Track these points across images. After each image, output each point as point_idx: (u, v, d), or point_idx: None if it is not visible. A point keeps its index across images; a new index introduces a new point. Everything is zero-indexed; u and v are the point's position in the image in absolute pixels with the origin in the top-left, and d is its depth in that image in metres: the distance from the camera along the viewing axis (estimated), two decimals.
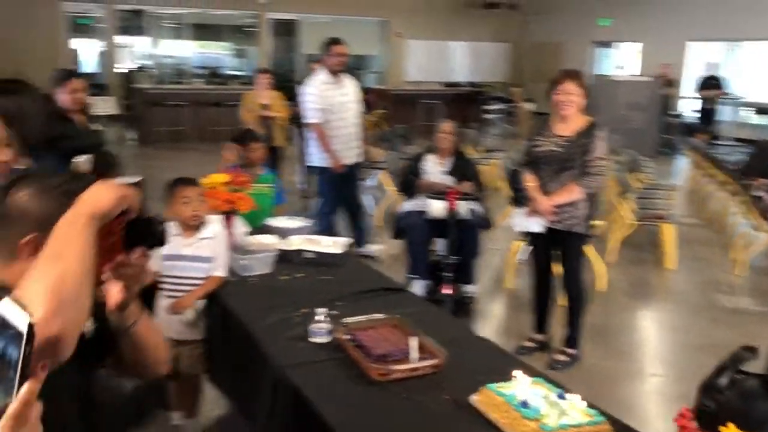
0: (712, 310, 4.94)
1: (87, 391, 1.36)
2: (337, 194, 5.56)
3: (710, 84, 13.22)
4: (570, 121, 3.67)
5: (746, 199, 5.86)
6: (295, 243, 3.32)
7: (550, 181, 3.69)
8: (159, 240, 1.31)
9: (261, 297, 2.76)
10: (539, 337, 4.08)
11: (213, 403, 3.11)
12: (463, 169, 4.73)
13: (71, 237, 1.09)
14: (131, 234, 1.25)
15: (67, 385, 1.27)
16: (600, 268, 5.16)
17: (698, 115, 13.51)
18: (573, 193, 3.62)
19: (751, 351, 1.30)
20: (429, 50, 17.09)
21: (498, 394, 1.88)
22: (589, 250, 5.03)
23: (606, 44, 17.61)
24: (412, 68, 16.49)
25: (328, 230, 5.24)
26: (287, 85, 10.46)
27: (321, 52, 5.41)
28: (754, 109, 14.10)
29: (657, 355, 4.31)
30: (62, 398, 1.26)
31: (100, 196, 1.16)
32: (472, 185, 4.62)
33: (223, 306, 2.73)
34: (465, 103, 14.31)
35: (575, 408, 1.82)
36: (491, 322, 4.70)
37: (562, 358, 3.90)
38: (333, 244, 3.37)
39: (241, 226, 3.35)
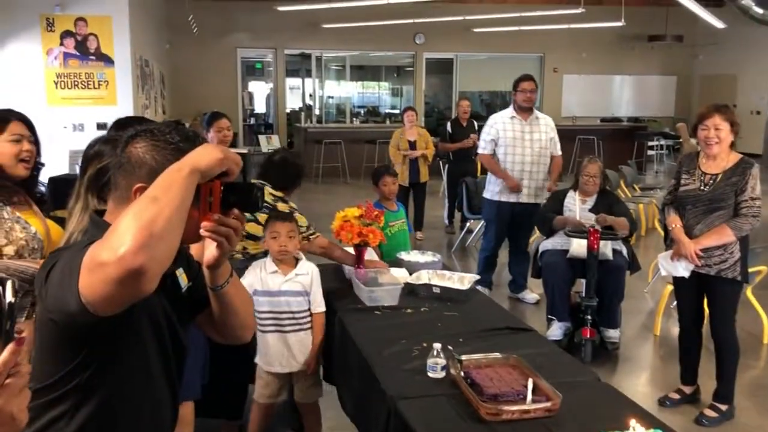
0: None
1: (175, 338, 1.46)
2: (500, 232, 5.46)
3: None
4: (718, 159, 3.43)
5: None
6: (424, 277, 3.36)
7: (696, 222, 3.45)
8: (255, 204, 1.38)
9: (384, 329, 2.82)
10: (687, 388, 3.78)
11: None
12: (609, 206, 4.55)
13: (171, 184, 1.18)
14: (229, 196, 1.33)
15: (155, 326, 1.39)
16: (764, 317, 4.70)
17: None
18: (722, 236, 3.36)
19: None
20: (587, 85, 16.65)
21: None
22: (751, 298, 4.62)
23: None
24: (569, 103, 16.12)
25: (484, 268, 5.24)
26: (442, 122, 10.70)
27: (512, 89, 5.43)
28: None
29: None
30: (147, 335, 1.38)
31: (205, 154, 1.25)
32: (624, 220, 4.42)
33: (347, 334, 2.82)
34: (625, 138, 13.73)
35: None
36: (635, 369, 4.43)
37: (710, 413, 3.58)
38: (460, 280, 3.37)
39: (372, 258, 3.45)
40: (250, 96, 16.98)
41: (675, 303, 5.01)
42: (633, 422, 1.85)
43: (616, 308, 4.44)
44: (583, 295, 4.49)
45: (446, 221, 8.19)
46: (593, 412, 2.10)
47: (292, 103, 16.51)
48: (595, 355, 4.26)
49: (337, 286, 3.39)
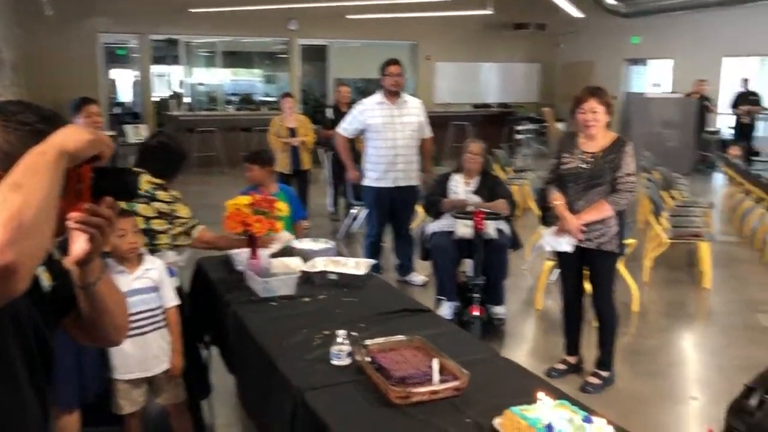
0: (750, 330, 4.77)
1: (42, 342, 1.29)
2: (382, 217, 5.49)
3: (746, 100, 12.96)
4: (596, 138, 3.61)
5: None
6: (319, 265, 3.30)
7: (578, 199, 3.62)
8: (130, 192, 1.25)
9: (282, 319, 2.74)
10: (571, 359, 3.98)
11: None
12: (491, 188, 4.68)
13: (36, 168, 1.04)
14: (101, 182, 1.18)
15: (17, 328, 1.22)
16: (634, 287, 5.03)
17: (735, 131, 13.25)
18: (602, 211, 3.54)
19: None
20: (459, 72, 17.12)
21: (522, 418, 1.82)
22: (623, 270, 4.91)
23: (638, 62, 17.43)
24: (441, 90, 16.51)
25: (370, 254, 5.22)
26: (320, 109, 10.58)
27: (378, 74, 5.40)
28: None
29: (693, 378, 4.17)
30: (9, 338, 1.20)
31: (72, 135, 1.11)
32: (504, 203, 4.56)
33: (244, 327, 2.71)
34: (495, 123, 14.27)
35: (589, 429, 1.75)
36: (521, 343, 4.61)
37: (594, 380, 3.79)
38: (356, 266, 3.34)
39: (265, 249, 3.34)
40: (114, 84, 16.04)
41: (554, 278, 5.29)
42: (540, 395, 1.89)
43: (501, 285, 4.59)
44: (470, 274, 4.61)
45: (331, 208, 8.14)
46: (499, 388, 2.14)
47: (161, 91, 15.77)
48: (484, 332, 4.38)
49: (227, 278, 3.26)
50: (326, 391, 2.13)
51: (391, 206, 5.39)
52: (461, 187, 4.70)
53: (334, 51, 16.04)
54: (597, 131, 3.59)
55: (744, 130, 12.97)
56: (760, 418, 1.19)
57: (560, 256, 3.83)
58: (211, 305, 3.24)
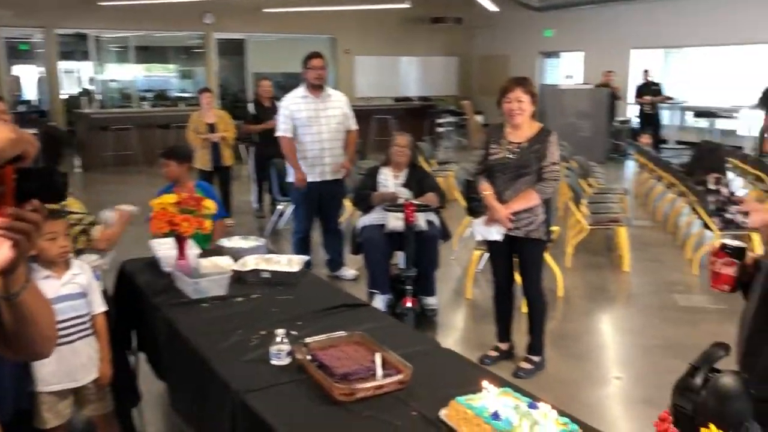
0: (669, 311, 5.00)
1: None
2: (310, 213, 5.42)
3: (649, 90, 13.57)
4: (522, 128, 3.68)
5: (695, 199, 5.97)
6: (250, 263, 3.22)
7: (505, 188, 3.68)
8: (58, 193, 1.16)
9: (216, 320, 2.65)
10: (503, 346, 4.05)
11: None
12: (419, 180, 4.70)
13: None
14: (25, 184, 1.09)
15: None
16: (558, 273, 5.18)
17: (640, 120, 13.86)
18: (530, 200, 3.62)
19: (723, 348, 1.27)
20: (378, 66, 17.16)
21: (468, 407, 1.83)
22: (547, 256, 5.04)
23: (552, 54, 17.96)
24: (362, 84, 16.51)
25: (299, 251, 5.14)
26: (239, 105, 10.36)
27: (302, 67, 5.30)
28: (693, 112, 14.55)
29: (617, 358, 4.33)
30: None
31: None
32: (434, 195, 4.59)
33: (175, 331, 2.61)
34: (416, 117, 14.39)
35: (547, 417, 1.77)
36: (453, 333, 4.66)
37: (526, 366, 3.87)
38: (289, 263, 3.28)
39: (193, 249, 3.24)
40: (17, 81, 15.20)
41: (481, 268, 5.38)
42: (485, 383, 1.91)
43: (432, 276, 4.62)
44: (402, 266, 4.63)
45: (255, 205, 7.99)
46: (442, 379, 2.14)
47: (69, 88, 15.06)
48: (417, 323, 4.40)
49: (154, 281, 3.13)
50: (267, 392, 2.08)
51: (319, 201, 5.33)
52: (390, 181, 4.70)
53: (251, 45, 15.75)
54: (523, 120, 3.66)
55: (649, 120, 13.58)
56: (706, 396, 1.23)
57: (490, 245, 3.89)
58: (138, 309, 3.11)
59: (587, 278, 5.72)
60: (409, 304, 4.37)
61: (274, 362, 2.26)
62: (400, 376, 2.07)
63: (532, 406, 1.82)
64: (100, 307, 2.72)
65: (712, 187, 6.31)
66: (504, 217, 3.62)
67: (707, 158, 5.95)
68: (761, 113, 1.89)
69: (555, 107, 13.08)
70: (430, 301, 4.63)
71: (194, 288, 2.90)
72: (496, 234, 3.71)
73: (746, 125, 12.99)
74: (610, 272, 5.94)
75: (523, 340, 4.04)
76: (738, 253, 1.69)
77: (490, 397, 1.88)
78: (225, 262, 3.21)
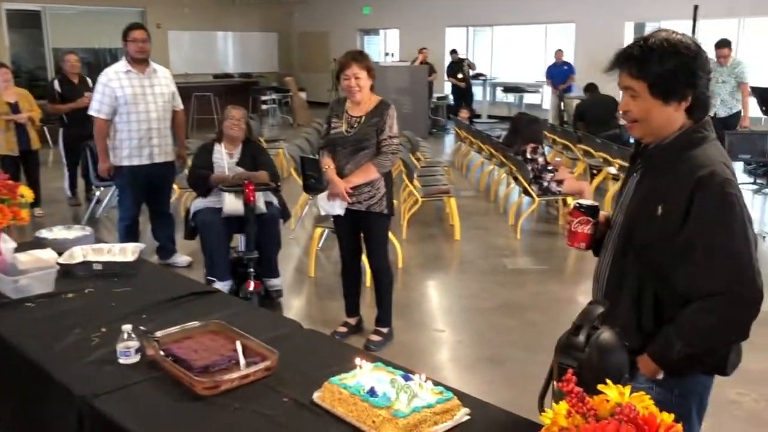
0: (499, 274, 5.30)
1: None
2: (135, 198, 5.02)
3: (459, 67, 14.26)
4: (361, 102, 3.66)
5: (515, 168, 6.37)
6: (78, 255, 2.91)
7: (346, 163, 3.65)
8: None
9: (46, 321, 2.36)
10: (351, 320, 4.05)
11: None
12: (254, 156, 4.53)
13: None
14: None
15: None
16: (397, 245, 5.28)
17: (454, 96, 14.54)
18: (368, 174, 3.62)
19: (600, 305, 1.33)
20: (194, 41, 16.41)
21: (342, 387, 1.77)
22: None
23: (371, 32, 18.25)
24: (177, 60, 15.69)
25: (126, 239, 4.74)
26: (38, 83, 9.36)
27: (122, 39, 4.84)
28: (502, 88, 15.56)
29: (458, 322, 4.50)
30: None
31: None
32: (265, 174, 4.44)
33: None
34: (239, 94, 13.98)
35: (422, 388, 1.77)
36: (299, 312, 4.59)
37: (375, 338, 3.91)
38: (122, 252, 3.01)
39: (8, 243, 2.86)
40: None
41: (320, 246, 5.35)
42: (358, 360, 1.87)
43: (275, 257, 4.51)
44: (242, 249, 4.47)
45: (68, 192, 7.30)
46: (310, 361, 2.06)
47: None
48: (262, 306, 4.26)
49: None
50: (119, 394, 1.88)
51: (147, 185, 4.97)
52: (225, 159, 4.48)
53: (49, 18, 14.32)
54: (362, 97, 3.64)
55: (463, 96, 14.29)
56: (589, 353, 1.27)
57: (335, 221, 3.85)
58: None
59: (423, 249, 5.90)
60: (253, 288, 4.24)
61: (122, 361, 2.05)
62: (266, 363, 1.96)
63: (406, 378, 1.81)
64: None
65: (530, 156, 6.80)
66: (342, 191, 3.59)
67: (526, 130, 6.35)
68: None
69: (377, 84, 13.28)
70: (274, 282, 4.52)
71: (14, 287, 2.56)
72: (338, 209, 3.68)
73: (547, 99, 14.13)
74: (443, 242, 6.18)
75: (368, 312, 4.08)
76: (592, 211, 1.78)
77: (364, 374, 1.85)
78: (48, 256, 2.87)
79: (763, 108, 8.69)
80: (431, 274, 5.40)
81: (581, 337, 1.28)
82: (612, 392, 1.08)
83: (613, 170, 7.19)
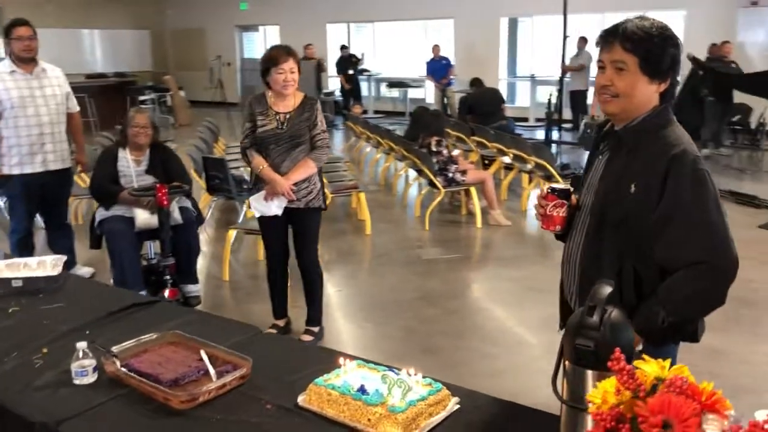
0: (415, 265, 5.38)
1: None
2: (28, 209, 4.64)
3: (350, 63, 14.33)
4: (288, 98, 3.59)
5: (418, 161, 6.48)
6: None
7: (282, 160, 3.57)
8: None
9: None
10: (280, 322, 3.97)
11: None
12: (164, 162, 4.30)
13: None
14: None
15: None
16: None
17: (342, 92, 14.58)
18: (308, 168, 3.57)
19: (608, 284, 1.38)
20: (57, 40, 15.37)
21: (330, 388, 1.73)
22: None
23: (250, 28, 17.89)
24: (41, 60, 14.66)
25: (20, 252, 4.37)
26: None
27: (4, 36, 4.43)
28: (387, 83, 15.77)
29: (385, 315, 4.47)
30: None
31: None
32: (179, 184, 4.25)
33: None
34: (115, 94, 13.30)
35: (412, 381, 1.77)
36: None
37: (307, 338, 3.85)
38: (40, 265, 2.78)
39: None
40: None
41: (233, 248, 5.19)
42: (342, 359, 1.84)
43: (194, 263, 4.33)
44: (151, 256, 4.27)
45: None
46: (282, 364, 2.00)
47: None
48: None
49: None
50: (86, 418, 1.74)
51: (42, 194, 4.61)
52: (132, 167, 4.22)
53: None
54: (293, 91, 3.58)
55: (351, 91, 14.37)
56: (603, 331, 1.32)
57: (264, 222, 3.74)
58: None
59: (335, 245, 5.87)
60: (168, 296, 4.05)
61: (78, 382, 1.90)
62: (241, 371, 1.88)
63: (393, 371, 1.80)
64: None
65: (435, 149, 6.94)
66: (287, 189, 3.51)
67: (432, 123, 6.46)
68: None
69: (260, 81, 13.08)
70: (192, 288, 4.33)
71: None
72: (276, 208, 3.59)
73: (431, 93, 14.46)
74: (354, 237, 6.19)
75: (294, 313, 4.02)
76: (566, 195, 1.83)
77: (349, 373, 1.82)
78: None
79: None
80: (348, 269, 5.39)
81: (596, 318, 1.33)
82: (652, 367, 1.13)
83: (507, 160, 7.49)
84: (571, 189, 1.87)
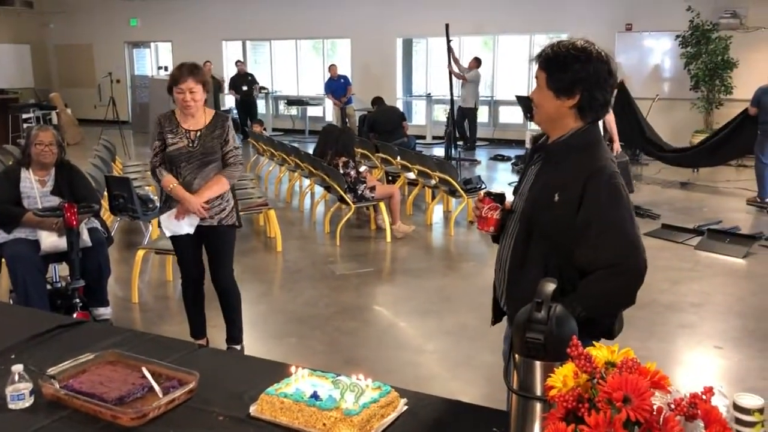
0: (330, 280, 5.42)
1: None
2: None
3: (245, 80, 14.19)
4: (197, 116, 3.56)
5: (327, 178, 6.54)
6: None
7: (193, 177, 3.53)
8: None
9: None
10: (200, 342, 3.88)
11: None
12: (71, 182, 4.12)
13: None
14: None
15: None
16: None
17: (238, 110, 14.40)
18: (221, 186, 3.55)
19: (551, 282, 1.50)
20: None
21: (283, 396, 1.77)
22: None
23: (142, 44, 17.37)
24: None
25: None
26: None
27: None
28: (285, 101, 15.75)
29: (307, 330, 4.45)
30: None
31: None
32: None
33: None
34: None
35: (363, 384, 1.83)
36: None
37: None
38: None
39: None
40: None
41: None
42: (293, 368, 1.87)
43: (105, 285, 4.18)
44: (56, 280, 4.10)
45: None
46: (226, 377, 2.01)
47: None
48: None
49: None
50: None
51: None
52: (36, 187, 4.03)
53: None
54: (197, 110, 3.55)
55: (246, 109, 14.20)
56: (551, 325, 1.44)
57: (178, 241, 3.67)
58: None
59: (247, 263, 5.79)
60: (80, 318, 3.88)
61: (13, 406, 1.83)
62: (190, 385, 1.88)
63: (342, 376, 1.85)
64: None
65: (342, 171, 7.03)
66: (199, 207, 3.47)
67: (338, 142, 6.52)
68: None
69: (156, 98, 12.75)
70: (103, 311, 4.18)
71: None
72: (187, 227, 3.54)
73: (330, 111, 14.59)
74: (265, 254, 6.15)
75: (212, 332, 3.97)
76: (500, 198, 1.98)
77: (300, 381, 1.86)
78: None
79: (528, 115, 9.88)
80: (263, 286, 5.36)
81: (543, 313, 1.45)
82: (601, 352, 1.26)
83: (411, 175, 7.69)
84: (504, 194, 2.01)
